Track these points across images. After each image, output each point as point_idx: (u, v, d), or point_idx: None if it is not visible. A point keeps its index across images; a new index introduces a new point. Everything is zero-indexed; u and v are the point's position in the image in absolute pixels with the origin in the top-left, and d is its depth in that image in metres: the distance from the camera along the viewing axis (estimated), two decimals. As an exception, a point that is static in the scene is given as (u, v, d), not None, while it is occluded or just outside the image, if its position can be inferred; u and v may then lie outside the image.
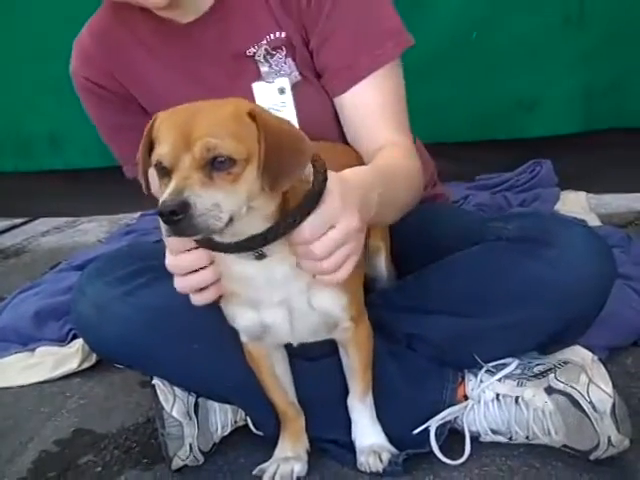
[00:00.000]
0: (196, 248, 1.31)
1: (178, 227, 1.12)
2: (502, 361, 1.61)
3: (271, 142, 1.17)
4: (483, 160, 3.39)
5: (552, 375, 1.53)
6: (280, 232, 1.24)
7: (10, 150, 3.83)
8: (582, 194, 3.10)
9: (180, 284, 1.35)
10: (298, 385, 1.60)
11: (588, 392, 1.46)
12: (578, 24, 3.15)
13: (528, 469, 1.52)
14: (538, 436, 1.54)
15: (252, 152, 1.17)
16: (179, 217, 1.10)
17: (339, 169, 1.31)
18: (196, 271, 1.32)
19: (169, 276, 1.57)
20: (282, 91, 1.65)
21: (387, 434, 1.58)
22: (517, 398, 1.55)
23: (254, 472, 1.59)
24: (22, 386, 2.20)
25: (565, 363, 1.55)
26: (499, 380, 1.58)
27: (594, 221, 2.76)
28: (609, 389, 1.46)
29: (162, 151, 1.17)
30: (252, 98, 1.65)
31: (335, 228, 1.22)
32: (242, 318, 1.42)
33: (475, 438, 1.60)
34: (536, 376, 1.56)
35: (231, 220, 1.16)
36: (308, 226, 1.22)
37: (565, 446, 1.51)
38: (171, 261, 1.33)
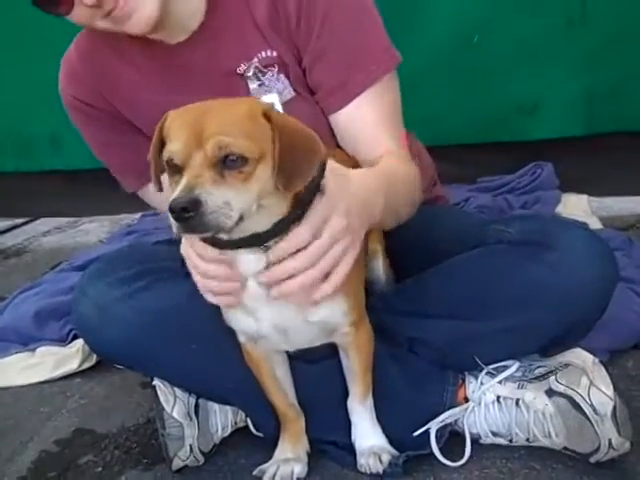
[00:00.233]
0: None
1: (188, 224, 1.12)
2: (503, 363, 1.61)
3: (285, 142, 1.17)
4: (484, 163, 3.38)
5: (553, 377, 1.53)
6: (282, 229, 1.24)
7: (11, 150, 3.83)
8: (583, 197, 3.10)
9: (205, 287, 1.34)
10: (298, 386, 1.60)
11: (589, 395, 1.46)
12: (580, 27, 3.15)
13: (528, 471, 1.52)
14: (538, 438, 1.53)
15: (265, 151, 1.17)
16: (190, 214, 1.10)
17: None
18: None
19: (169, 279, 1.58)
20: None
21: (387, 436, 1.58)
22: (518, 400, 1.55)
23: (254, 473, 1.59)
24: (22, 386, 2.20)
25: (566, 366, 1.55)
26: (500, 382, 1.58)
27: (595, 224, 2.75)
28: (610, 392, 1.46)
29: (174, 148, 1.17)
30: None
31: (323, 230, 1.24)
32: (239, 322, 1.42)
33: (475, 440, 1.60)
34: (537, 378, 1.56)
35: (241, 218, 1.16)
36: (297, 231, 1.23)
37: (566, 448, 1.51)
38: (201, 267, 1.32)
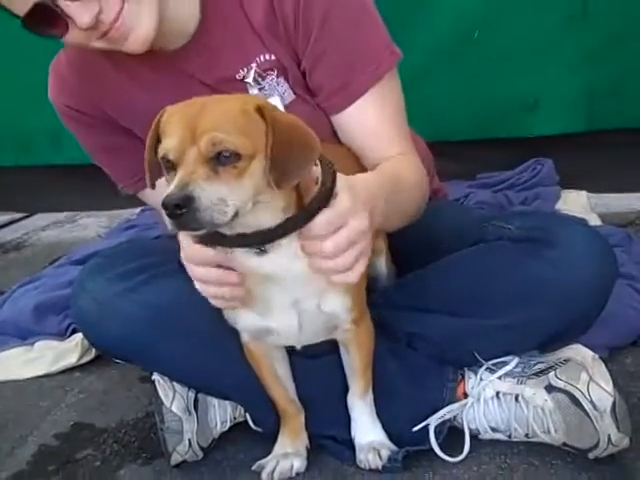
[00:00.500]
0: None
1: (182, 221, 1.12)
2: (502, 359, 1.61)
3: (279, 138, 1.17)
4: (484, 159, 3.38)
5: (552, 373, 1.53)
6: (289, 228, 1.24)
7: (10, 145, 3.83)
8: (583, 193, 3.10)
9: (205, 291, 1.34)
10: (298, 382, 1.61)
11: (588, 390, 1.46)
12: (581, 23, 3.15)
13: (527, 467, 1.52)
14: (538, 434, 1.54)
15: (259, 147, 1.17)
16: (183, 211, 1.10)
17: (343, 170, 1.31)
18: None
19: (169, 274, 1.57)
20: None
21: (387, 432, 1.58)
22: (517, 396, 1.55)
23: (253, 468, 1.59)
24: (21, 380, 2.20)
25: (566, 361, 1.55)
26: (499, 378, 1.58)
27: (595, 220, 2.75)
28: (609, 388, 1.46)
29: (168, 145, 1.17)
30: None
31: (346, 227, 1.23)
32: (244, 320, 1.42)
33: (474, 436, 1.60)
34: (536, 374, 1.56)
35: (236, 214, 1.16)
36: (319, 223, 1.22)
37: (565, 444, 1.51)
38: (199, 273, 1.32)
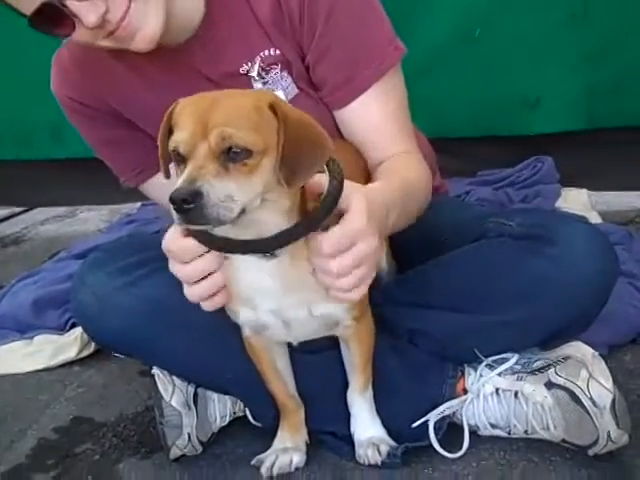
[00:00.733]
0: (202, 255, 1.29)
1: (189, 216, 1.11)
2: (502, 356, 1.61)
3: (291, 136, 1.17)
4: (485, 156, 3.38)
5: (552, 370, 1.53)
6: (293, 237, 1.25)
7: (11, 138, 3.82)
8: (583, 191, 3.09)
9: (191, 292, 1.33)
10: (298, 377, 1.61)
11: (588, 387, 1.46)
12: (582, 22, 3.14)
13: (527, 463, 1.52)
14: (537, 431, 1.54)
15: (270, 144, 1.17)
16: (190, 206, 1.10)
17: (349, 167, 1.31)
18: (205, 277, 1.31)
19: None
20: None
21: (386, 427, 1.58)
22: (517, 392, 1.55)
23: (252, 462, 1.59)
24: (21, 374, 2.19)
25: (565, 358, 1.55)
26: (499, 375, 1.58)
27: (595, 218, 2.75)
28: (609, 384, 1.46)
29: (179, 138, 1.17)
30: None
31: (354, 249, 1.24)
32: (243, 316, 1.42)
33: (474, 432, 1.60)
34: (536, 371, 1.56)
35: (243, 211, 1.16)
36: (329, 241, 1.23)
37: (564, 441, 1.51)
38: (180, 270, 1.31)
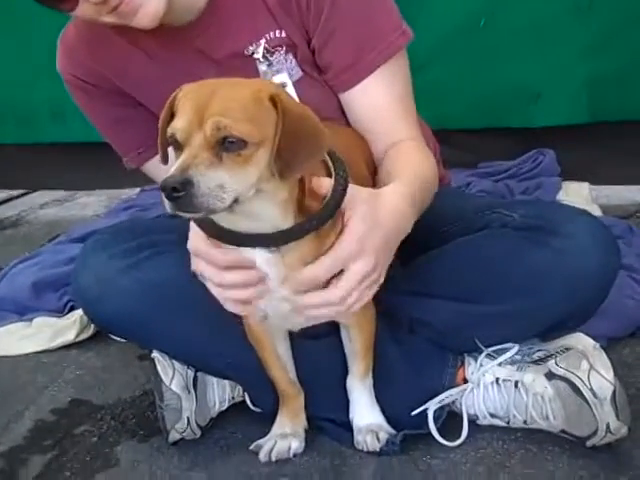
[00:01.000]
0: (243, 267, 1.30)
1: (178, 204, 1.11)
2: (503, 346, 1.61)
3: (288, 129, 1.16)
4: (486, 148, 3.38)
5: (553, 361, 1.53)
6: (292, 237, 1.26)
7: (11, 121, 3.81)
8: (585, 185, 3.10)
9: (223, 296, 1.34)
10: (298, 363, 1.60)
11: (589, 378, 1.46)
12: (587, 14, 3.14)
13: (525, 452, 1.53)
14: (536, 421, 1.54)
15: (266, 136, 1.16)
16: (180, 194, 1.10)
17: (347, 154, 1.31)
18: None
19: (172, 251, 1.57)
20: (283, 87, 1.64)
21: (385, 415, 1.58)
22: (517, 383, 1.56)
23: (251, 447, 1.59)
24: (19, 355, 2.19)
25: (566, 349, 1.55)
26: (499, 364, 1.58)
27: (596, 212, 2.74)
28: (610, 376, 1.46)
29: (177, 125, 1.17)
30: None
31: (349, 271, 1.27)
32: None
33: (473, 421, 1.60)
34: (537, 362, 1.57)
35: (236, 201, 1.16)
36: (320, 266, 1.26)
37: (563, 432, 1.52)
38: (218, 277, 1.31)
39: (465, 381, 1.61)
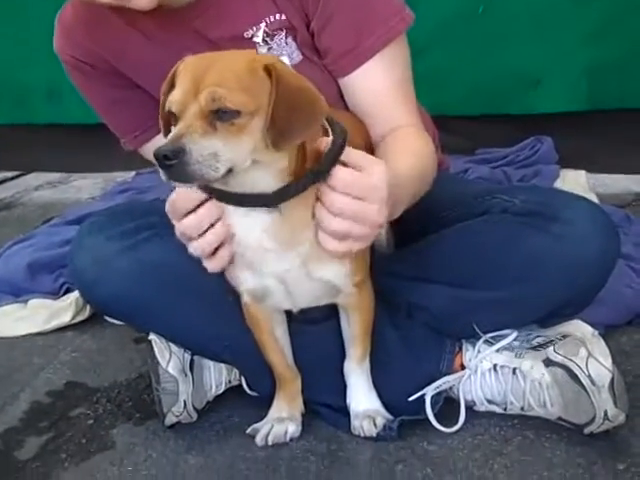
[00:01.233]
0: (199, 206, 1.29)
1: (171, 172, 1.12)
2: (501, 332, 1.61)
3: (282, 98, 1.16)
4: (484, 134, 3.37)
5: (551, 348, 1.53)
6: (291, 193, 1.25)
7: (7, 102, 3.78)
8: (582, 173, 3.09)
9: (195, 245, 1.32)
10: (296, 348, 1.60)
11: (587, 366, 1.46)
12: (585, 1, 3.12)
13: (522, 439, 1.53)
14: (533, 407, 1.54)
15: (261, 105, 1.17)
16: (172, 162, 1.10)
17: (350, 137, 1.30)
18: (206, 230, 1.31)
19: (170, 233, 1.55)
20: None
21: (382, 400, 1.58)
22: (515, 369, 1.55)
23: (247, 431, 1.59)
24: (14, 337, 2.18)
25: (565, 336, 1.55)
26: (497, 351, 1.58)
27: (593, 200, 2.75)
28: (608, 363, 1.46)
29: (173, 98, 1.18)
30: None
31: (364, 202, 1.24)
32: (245, 280, 1.41)
33: (470, 407, 1.60)
34: (535, 348, 1.56)
35: (230, 171, 1.16)
36: (343, 178, 1.23)
37: (560, 419, 1.52)
38: (183, 224, 1.31)
39: (463, 367, 1.60)
